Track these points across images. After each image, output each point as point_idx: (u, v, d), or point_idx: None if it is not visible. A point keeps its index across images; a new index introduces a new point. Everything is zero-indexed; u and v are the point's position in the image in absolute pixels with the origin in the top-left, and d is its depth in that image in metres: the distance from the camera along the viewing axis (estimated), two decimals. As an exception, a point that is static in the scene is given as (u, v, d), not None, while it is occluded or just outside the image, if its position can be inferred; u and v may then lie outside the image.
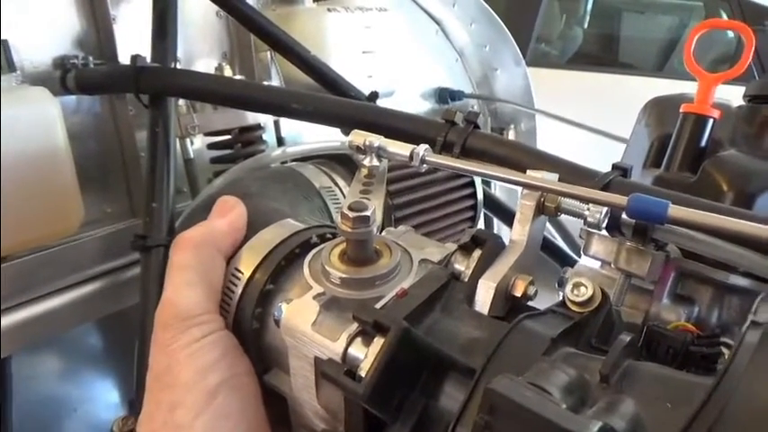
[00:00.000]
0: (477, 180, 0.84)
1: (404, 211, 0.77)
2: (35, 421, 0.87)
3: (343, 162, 0.73)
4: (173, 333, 0.46)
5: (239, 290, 0.50)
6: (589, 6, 4.13)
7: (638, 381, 0.36)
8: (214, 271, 0.50)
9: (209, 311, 0.48)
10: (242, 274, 0.50)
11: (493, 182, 1.10)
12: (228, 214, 0.53)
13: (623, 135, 1.31)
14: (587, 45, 4.04)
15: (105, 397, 0.96)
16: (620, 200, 0.42)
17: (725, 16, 3.51)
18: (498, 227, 1.33)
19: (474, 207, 0.84)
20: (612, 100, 3.01)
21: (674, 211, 0.41)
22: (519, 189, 0.47)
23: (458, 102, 1.46)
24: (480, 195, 0.84)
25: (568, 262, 1.06)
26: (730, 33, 3.39)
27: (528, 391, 0.33)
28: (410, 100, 1.38)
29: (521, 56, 1.50)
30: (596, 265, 0.62)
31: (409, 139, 0.53)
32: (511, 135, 1.56)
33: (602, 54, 4.05)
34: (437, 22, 1.43)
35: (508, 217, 1.12)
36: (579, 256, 1.12)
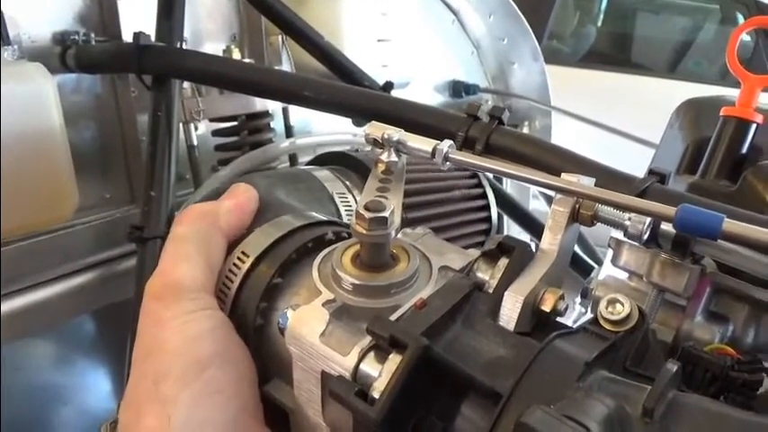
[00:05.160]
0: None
1: (414, 212, 0.72)
2: (24, 412, 0.83)
3: (358, 169, 0.69)
4: (164, 303, 0.43)
5: (242, 273, 0.46)
6: (603, 5, 4.08)
7: (685, 416, 0.33)
8: (213, 247, 0.47)
9: (204, 290, 0.45)
10: (247, 257, 0.47)
11: (504, 177, 1.06)
12: (238, 197, 0.51)
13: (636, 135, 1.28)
14: (600, 43, 3.99)
15: (96, 390, 0.92)
16: (667, 210, 0.38)
17: (741, 19, 3.47)
18: (508, 225, 1.29)
19: (487, 207, 0.80)
20: (624, 99, 2.97)
21: (729, 225, 0.36)
22: (531, 188, 0.43)
23: (472, 96, 1.41)
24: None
25: (583, 267, 1.02)
26: (746, 37, 3.33)
27: (565, 427, 0.29)
28: (423, 92, 1.34)
29: (539, 51, 1.45)
30: (622, 275, 0.58)
31: (428, 132, 0.49)
32: (525, 132, 1.51)
33: (614, 53, 4.00)
34: (454, 12, 1.38)
35: (519, 216, 1.08)
36: (595, 261, 1.08)
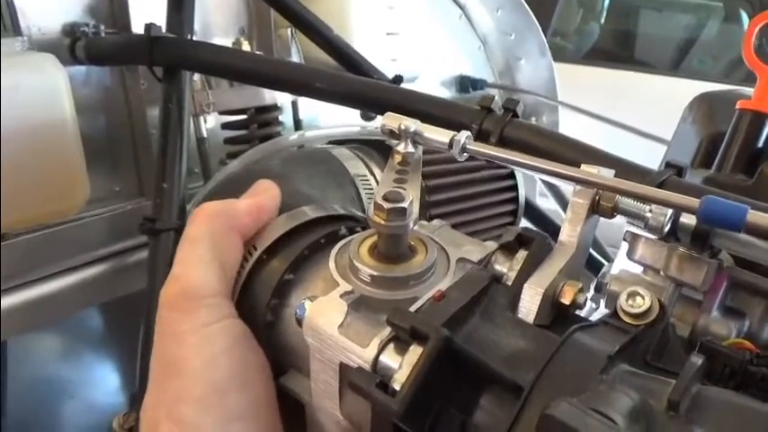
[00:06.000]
0: (519, 177, 0.79)
1: (441, 208, 0.71)
2: (31, 406, 0.83)
3: (380, 149, 0.67)
4: (180, 314, 0.42)
5: (247, 268, 0.46)
6: (606, 2, 4.07)
7: (710, 410, 0.32)
8: (228, 249, 0.46)
9: (220, 294, 0.44)
10: (255, 250, 0.46)
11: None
12: (258, 196, 0.49)
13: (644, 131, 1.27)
14: (603, 41, 3.98)
15: (104, 384, 0.92)
16: (690, 202, 0.37)
17: (745, 16, 3.46)
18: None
19: (515, 200, 0.78)
20: (628, 97, 2.96)
21: (753, 216, 0.36)
22: (538, 185, 0.43)
23: (479, 91, 1.41)
24: (522, 192, 0.78)
25: (590, 263, 1.01)
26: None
27: (591, 420, 0.29)
28: (431, 87, 1.33)
29: (546, 46, 1.45)
30: (636, 269, 0.57)
31: (441, 124, 0.49)
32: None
33: (618, 50, 3.99)
34: (461, 7, 1.37)
35: (528, 210, 1.07)
36: (604, 257, 1.08)
